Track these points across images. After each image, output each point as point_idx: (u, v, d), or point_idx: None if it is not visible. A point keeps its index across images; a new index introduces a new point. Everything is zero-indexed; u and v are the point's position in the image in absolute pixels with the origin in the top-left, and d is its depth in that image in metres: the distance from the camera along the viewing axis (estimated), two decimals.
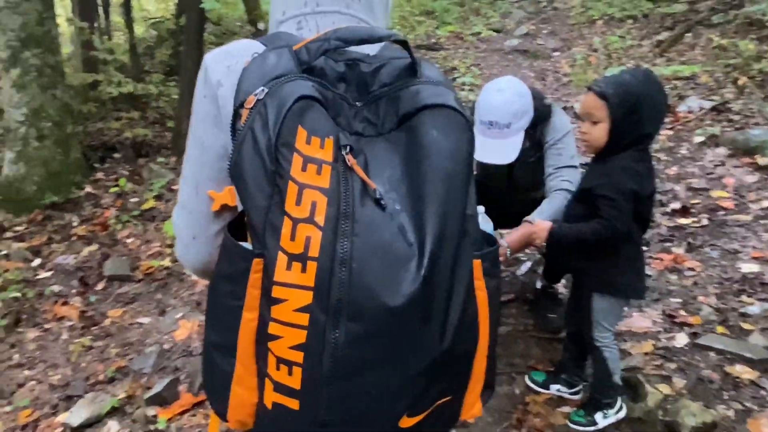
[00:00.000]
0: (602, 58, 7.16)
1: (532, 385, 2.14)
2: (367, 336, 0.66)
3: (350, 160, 0.68)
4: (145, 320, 2.93)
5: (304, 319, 0.66)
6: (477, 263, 0.74)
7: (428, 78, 0.76)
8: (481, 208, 2.11)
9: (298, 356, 0.67)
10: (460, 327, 0.70)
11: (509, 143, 2.07)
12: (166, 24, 9.31)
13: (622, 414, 1.93)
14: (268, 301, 0.68)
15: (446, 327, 0.69)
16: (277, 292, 0.66)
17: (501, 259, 2.07)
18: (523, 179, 2.34)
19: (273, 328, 0.67)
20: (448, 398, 0.76)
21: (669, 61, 6.54)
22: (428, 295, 0.66)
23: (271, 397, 0.70)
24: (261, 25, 3.26)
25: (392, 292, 0.65)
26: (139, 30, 10.37)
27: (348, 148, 0.69)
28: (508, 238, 1.99)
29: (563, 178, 2.12)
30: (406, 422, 0.72)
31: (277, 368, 0.68)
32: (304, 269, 0.65)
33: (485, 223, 2.08)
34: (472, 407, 0.80)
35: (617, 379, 1.88)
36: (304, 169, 0.67)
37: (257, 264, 0.68)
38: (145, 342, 2.75)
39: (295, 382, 0.67)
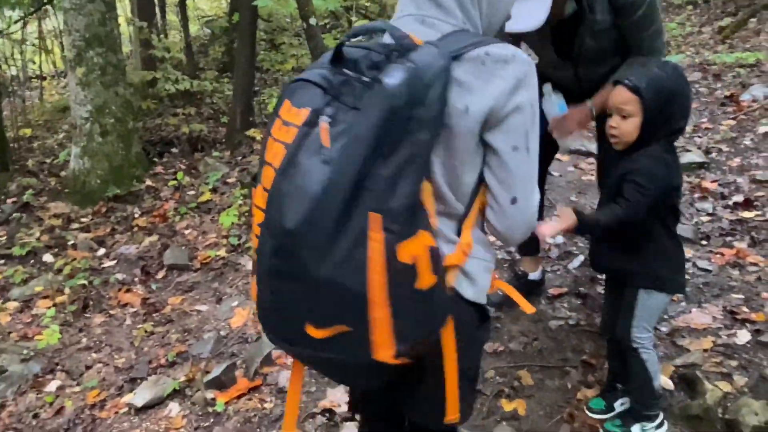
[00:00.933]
0: None
1: (596, 416, 1.95)
2: (277, 249, 0.93)
3: (322, 125, 0.91)
4: (202, 308, 3.05)
5: (258, 230, 0.99)
6: (374, 216, 0.88)
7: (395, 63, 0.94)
8: (548, 87, 2.09)
9: (256, 257, 1.00)
10: (344, 263, 0.88)
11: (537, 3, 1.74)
12: (220, 22, 9.56)
13: (663, 431, 1.84)
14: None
15: (327, 257, 0.88)
16: (253, 210, 1.02)
17: (585, 115, 2.03)
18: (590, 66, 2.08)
19: (252, 237, 1.06)
20: (347, 327, 0.92)
21: (731, 48, 6.26)
22: (312, 228, 0.88)
23: (254, 284, 1.04)
24: (312, 20, 3.31)
25: (289, 219, 0.89)
26: (193, 28, 10.69)
27: (327, 117, 0.91)
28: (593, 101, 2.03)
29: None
30: (314, 331, 0.94)
31: (253, 265, 1.05)
32: (263, 197, 0.97)
33: (556, 98, 2.10)
34: (382, 349, 0.92)
35: (658, 385, 1.81)
36: (280, 129, 0.97)
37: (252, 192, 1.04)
38: (203, 328, 2.86)
39: (256, 274, 1.02)
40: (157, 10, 8.31)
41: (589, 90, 2.08)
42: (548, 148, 2.29)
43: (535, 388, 2.16)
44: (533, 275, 2.67)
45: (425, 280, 0.92)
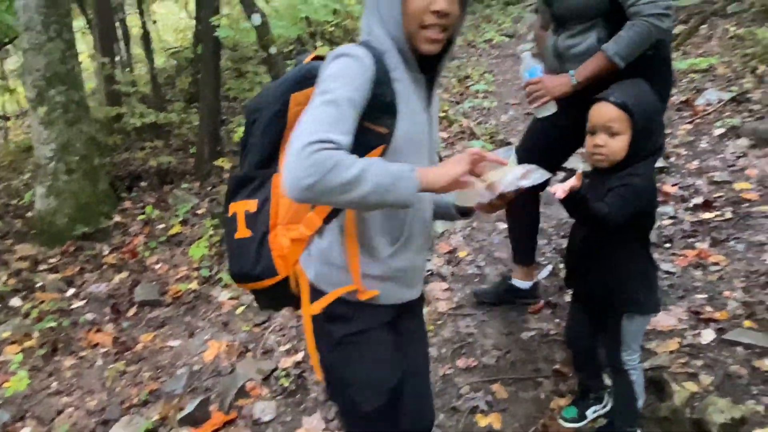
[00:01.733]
0: None
1: (570, 425, 1.97)
2: None
3: None
4: (175, 343, 3.01)
5: None
6: (294, 96, 1.22)
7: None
8: (526, 52, 2.10)
9: None
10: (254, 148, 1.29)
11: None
12: (185, 53, 9.58)
13: None
14: None
15: (245, 152, 1.33)
16: None
17: (562, 83, 2.00)
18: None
19: None
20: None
21: (685, 54, 6.46)
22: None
23: None
24: (272, 49, 3.35)
25: None
26: (159, 60, 10.69)
27: None
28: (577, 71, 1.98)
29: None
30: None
31: None
32: None
33: (531, 62, 2.05)
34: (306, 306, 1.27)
35: (641, 404, 1.81)
36: None
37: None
38: (175, 364, 2.83)
39: None
40: (121, 44, 8.30)
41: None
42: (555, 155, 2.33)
43: (509, 401, 2.18)
44: (523, 284, 2.69)
45: (240, 232, 1.28)
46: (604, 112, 1.55)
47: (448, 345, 2.53)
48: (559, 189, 1.40)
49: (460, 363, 2.39)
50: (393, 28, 1.15)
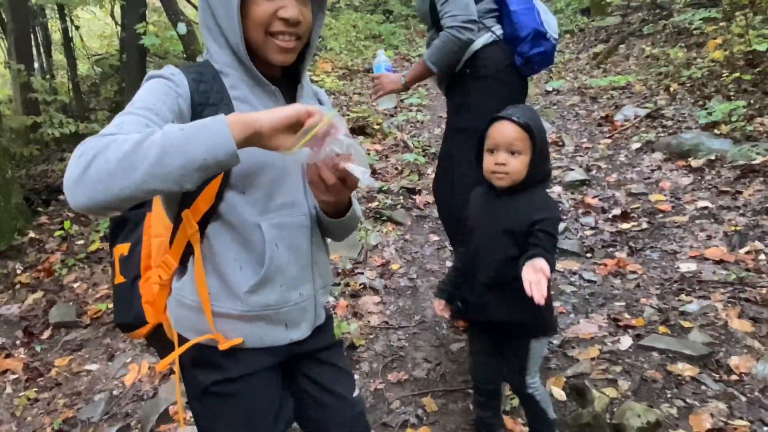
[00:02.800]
0: (542, 73, 7.39)
1: None
2: None
3: None
4: (93, 367, 2.84)
5: None
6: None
7: None
8: (380, 50, 2.48)
9: None
10: None
11: None
12: (111, 60, 9.20)
13: None
14: None
15: None
16: None
17: (392, 82, 2.31)
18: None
19: None
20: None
21: (605, 72, 6.82)
22: None
23: None
24: (200, 58, 3.26)
25: None
26: (83, 67, 10.20)
27: None
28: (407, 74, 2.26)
29: (449, 13, 2.10)
30: None
31: None
32: None
33: (381, 59, 2.39)
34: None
35: (551, 413, 1.81)
36: None
37: None
38: (93, 389, 2.67)
39: None
40: (41, 50, 7.87)
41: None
42: None
43: (439, 413, 2.19)
44: None
45: (117, 278, 1.22)
46: (507, 131, 1.55)
47: (379, 359, 2.52)
48: (537, 294, 1.33)
49: (392, 377, 2.38)
50: (233, 38, 1.02)
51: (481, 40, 2.13)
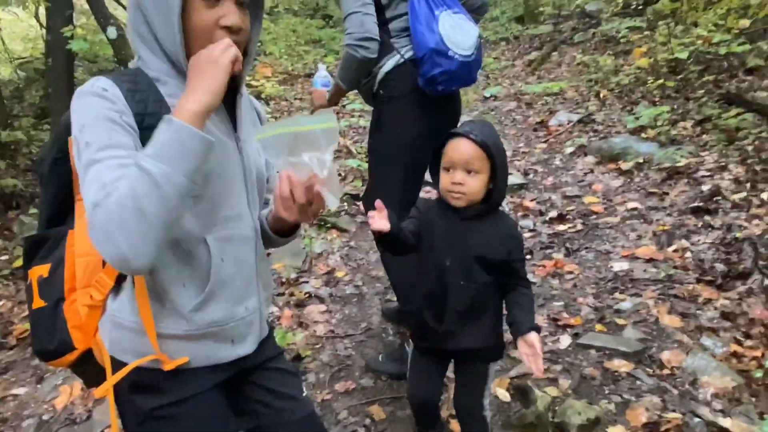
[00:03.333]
0: (481, 80, 7.56)
1: None
2: None
3: None
4: (20, 391, 2.67)
5: None
6: (71, 139, 1.00)
7: None
8: (321, 64, 2.48)
9: None
10: (42, 204, 1.20)
11: None
12: (35, 64, 8.72)
13: None
14: None
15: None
16: None
17: (321, 97, 2.32)
18: None
19: None
20: None
21: (539, 79, 7.05)
22: None
23: None
24: (131, 64, 3.13)
25: None
26: (5, 72, 9.64)
27: None
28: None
29: (347, 31, 2.15)
30: None
31: None
32: None
33: (319, 73, 2.38)
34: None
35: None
36: None
37: None
38: (21, 415, 2.50)
39: None
40: None
41: None
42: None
43: (387, 421, 2.18)
44: None
45: (35, 302, 1.12)
46: (464, 149, 1.47)
47: (326, 369, 2.50)
48: (536, 368, 1.40)
49: (339, 387, 2.36)
50: (171, 47, 1.00)
51: (391, 62, 2.12)
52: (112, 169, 0.88)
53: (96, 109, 0.94)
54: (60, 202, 1.12)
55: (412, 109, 2.15)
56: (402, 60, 2.12)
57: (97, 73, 8.17)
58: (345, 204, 4.10)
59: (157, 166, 0.86)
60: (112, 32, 2.97)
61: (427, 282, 1.58)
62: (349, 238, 3.73)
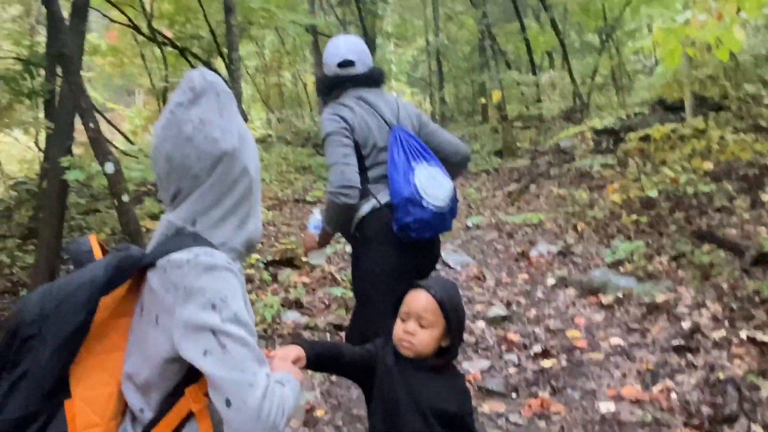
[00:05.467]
0: (464, 209, 7.84)
1: None
2: None
3: None
4: None
5: None
6: (104, 300, 1.03)
7: None
8: (316, 209, 2.61)
9: None
10: (35, 375, 1.04)
11: None
12: (29, 185, 8.93)
13: None
14: None
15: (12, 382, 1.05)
16: None
17: (311, 240, 2.41)
18: None
19: None
20: None
21: (519, 210, 7.33)
22: None
23: None
24: (125, 197, 3.26)
25: None
26: None
27: None
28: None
29: (328, 179, 2.32)
30: None
31: None
32: None
33: (314, 216, 2.50)
34: None
35: None
36: None
37: None
38: None
39: None
40: None
41: None
42: None
43: None
44: None
45: None
46: (421, 302, 1.51)
47: None
48: None
49: None
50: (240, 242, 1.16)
51: (367, 207, 2.24)
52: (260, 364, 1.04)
53: (235, 288, 1.06)
54: (64, 371, 1.01)
55: (387, 252, 2.23)
56: (378, 205, 2.24)
57: (90, 198, 8.35)
58: (328, 335, 4.06)
59: (288, 397, 1.10)
60: (109, 167, 3.11)
61: (378, 425, 1.55)
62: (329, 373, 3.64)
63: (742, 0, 3.63)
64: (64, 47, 3.00)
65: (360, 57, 2.34)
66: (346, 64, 2.32)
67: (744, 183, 5.62)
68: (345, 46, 2.34)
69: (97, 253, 1.11)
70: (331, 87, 2.34)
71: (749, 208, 5.18)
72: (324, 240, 2.41)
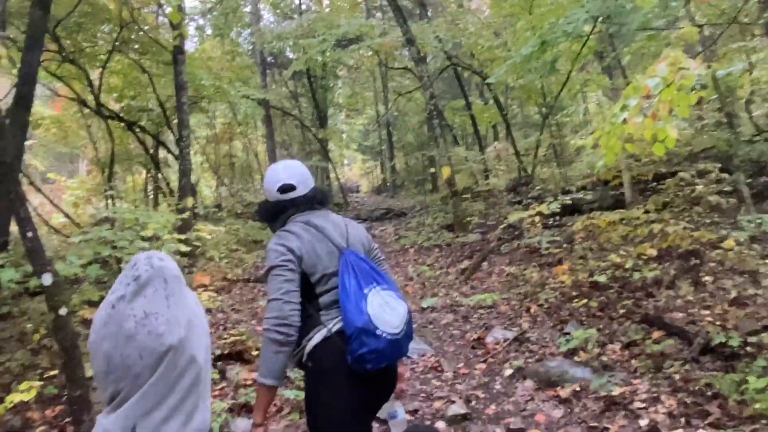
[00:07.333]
0: (417, 288, 7.82)
1: None
2: None
3: None
4: None
5: None
6: None
7: None
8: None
9: None
10: None
11: None
12: None
13: None
14: None
15: None
16: None
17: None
18: None
19: None
20: None
21: (473, 289, 7.36)
22: None
23: None
24: (63, 311, 3.04)
25: None
26: None
27: None
28: None
29: (265, 316, 2.16)
30: None
31: None
32: None
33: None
34: None
35: None
36: None
37: None
38: None
39: None
40: None
41: None
42: None
43: None
44: None
45: None
46: None
47: None
48: None
49: None
50: None
51: (318, 335, 2.14)
52: None
53: None
54: None
55: (341, 383, 2.12)
56: (329, 334, 2.15)
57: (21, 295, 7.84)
58: None
59: None
60: (47, 279, 2.92)
61: None
62: None
63: (673, 102, 3.89)
64: (4, 155, 2.86)
65: (300, 180, 2.31)
66: (287, 188, 2.28)
67: (685, 263, 5.86)
68: (284, 172, 2.32)
69: None
70: (275, 213, 2.30)
71: (693, 291, 5.37)
72: (264, 407, 2.12)
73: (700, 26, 8.03)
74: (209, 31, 18.97)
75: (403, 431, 2.36)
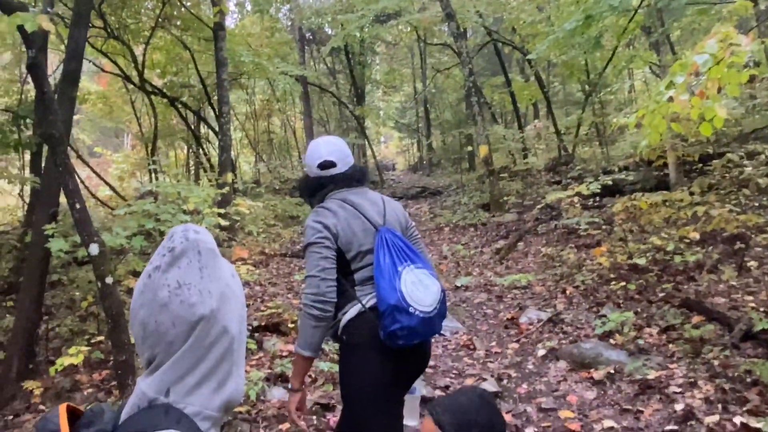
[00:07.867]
0: (452, 267, 7.81)
1: None
2: None
3: None
4: None
5: None
6: None
7: None
8: None
9: None
10: None
11: None
12: (11, 236, 8.78)
13: None
14: None
15: None
16: None
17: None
18: None
19: None
20: None
21: (507, 269, 7.31)
22: None
23: None
24: (109, 279, 3.18)
25: None
26: None
27: None
28: None
29: (303, 290, 2.19)
30: None
31: None
32: None
33: None
34: None
35: None
36: None
37: None
38: None
39: None
40: None
41: None
42: None
43: None
44: None
45: None
46: (425, 425, 1.59)
47: None
48: None
49: None
50: None
51: (353, 310, 2.18)
52: None
53: None
54: None
55: (374, 358, 2.16)
56: (363, 309, 2.19)
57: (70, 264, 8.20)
58: (314, 417, 3.94)
59: None
60: (94, 249, 3.05)
61: None
62: None
63: (723, 80, 3.74)
64: (53, 128, 2.98)
65: (340, 157, 2.33)
66: (327, 165, 2.31)
67: (730, 248, 5.68)
68: (325, 148, 2.35)
69: (64, 428, 1.05)
70: (314, 189, 2.33)
71: (736, 276, 5.21)
72: (301, 375, 2.22)
73: None
74: (249, 7, 19.04)
75: (415, 405, 2.39)
